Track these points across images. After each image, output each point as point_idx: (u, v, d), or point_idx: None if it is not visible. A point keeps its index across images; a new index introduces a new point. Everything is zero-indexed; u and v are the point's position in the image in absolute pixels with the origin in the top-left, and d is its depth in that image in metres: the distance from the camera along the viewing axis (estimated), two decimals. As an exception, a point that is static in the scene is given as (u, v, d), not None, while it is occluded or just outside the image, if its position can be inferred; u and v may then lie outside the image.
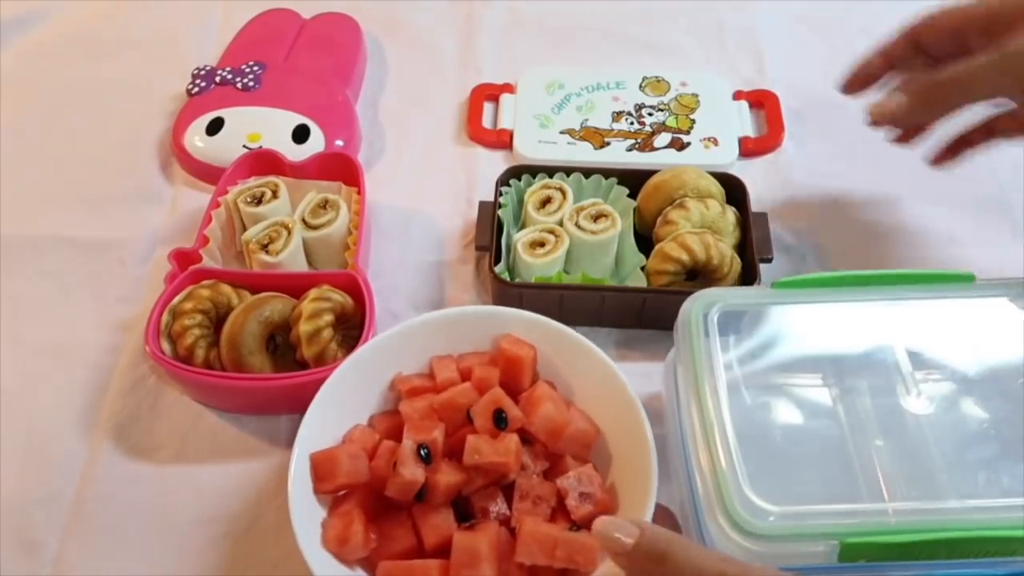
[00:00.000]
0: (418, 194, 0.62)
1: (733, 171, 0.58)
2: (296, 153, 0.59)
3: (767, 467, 0.40)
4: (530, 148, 0.62)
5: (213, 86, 0.64)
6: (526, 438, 0.45)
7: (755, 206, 0.56)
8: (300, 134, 0.61)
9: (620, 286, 0.53)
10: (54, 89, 0.68)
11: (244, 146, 0.60)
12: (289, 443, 0.44)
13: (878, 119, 0.49)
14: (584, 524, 0.43)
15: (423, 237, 0.59)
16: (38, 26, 0.72)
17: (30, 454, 0.49)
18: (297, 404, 0.45)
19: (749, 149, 0.63)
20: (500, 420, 0.44)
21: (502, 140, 0.63)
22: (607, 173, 0.58)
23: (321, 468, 0.43)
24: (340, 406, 0.46)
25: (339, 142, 0.62)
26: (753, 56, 0.70)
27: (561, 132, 0.63)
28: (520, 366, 0.47)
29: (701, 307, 0.44)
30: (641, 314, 0.53)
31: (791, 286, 0.45)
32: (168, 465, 0.49)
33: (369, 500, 0.44)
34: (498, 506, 0.43)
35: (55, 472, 0.49)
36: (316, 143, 0.61)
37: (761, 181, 0.62)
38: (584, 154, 0.62)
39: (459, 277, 0.57)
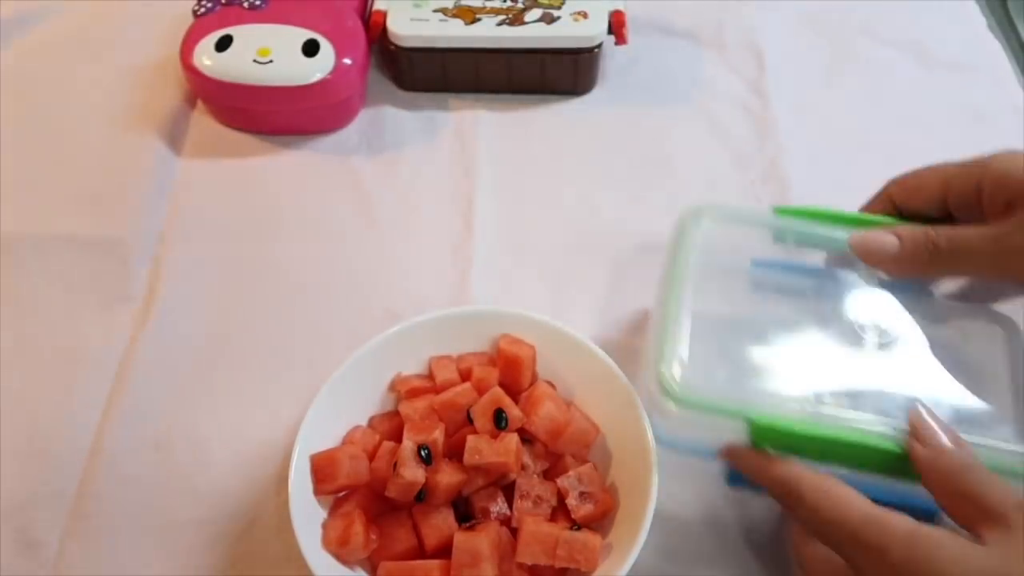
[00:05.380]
0: (417, 193, 0.62)
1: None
2: (307, 67, 0.60)
3: (712, 352, 0.43)
4: (403, 26, 0.64)
5: (219, 7, 0.64)
6: (526, 438, 0.45)
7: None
8: (310, 48, 0.61)
9: (490, 47, 0.63)
10: (55, 88, 0.68)
11: (254, 60, 0.60)
12: (288, 443, 0.45)
13: (861, 255, 0.45)
14: (585, 523, 0.43)
15: (424, 235, 0.60)
16: (38, 25, 0.72)
17: (30, 453, 0.49)
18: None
19: (621, 22, 0.64)
20: (500, 420, 0.44)
21: (375, 22, 0.64)
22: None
23: (321, 469, 0.44)
24: (340, 407, 0.46)
25: (347, 60, 0.62)
26: (753, 56, 0.70)
27: (434, 10, 0.65)
28: (519, 366, 0.47)
29: (693, 213, 0.47)
30: (510, 76, 0.65)
31: (791, 214, 0.47)
32: (168, 465, 0.49)
33: (369, 501, 0.44)
34: (499, 506, 0.44)
35: (55, 472, 0.49)
36: (326, 57, 0.61)
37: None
38: (455, 30, 0.64)
39: (453, 276, 0.57)
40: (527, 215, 0.61)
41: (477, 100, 0.67)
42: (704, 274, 0.46)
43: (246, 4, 0.64)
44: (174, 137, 0.64)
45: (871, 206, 0.48)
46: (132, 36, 0.72)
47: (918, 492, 0.40)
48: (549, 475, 0.45)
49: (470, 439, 0.43)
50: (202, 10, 0.64)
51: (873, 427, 0.40)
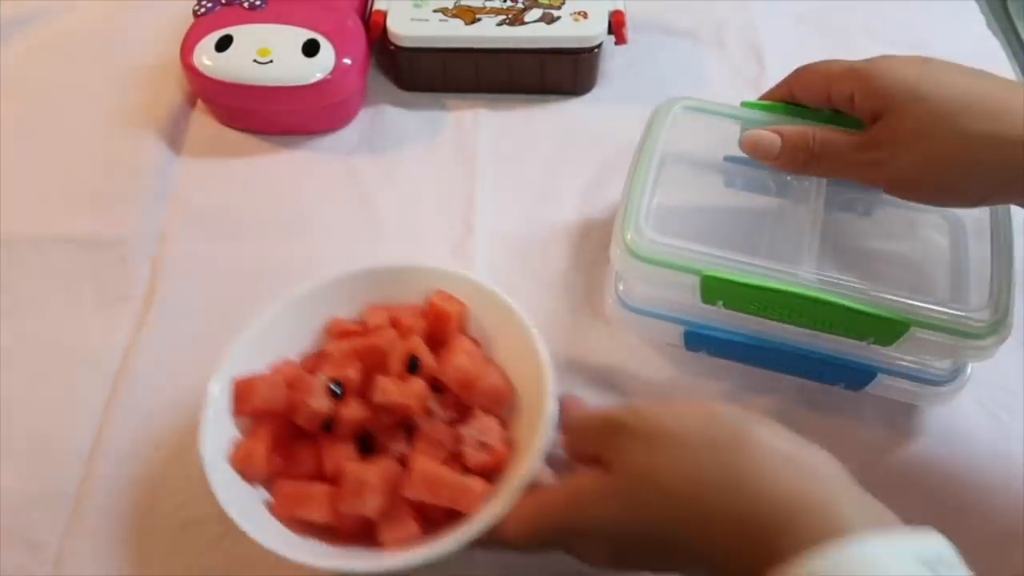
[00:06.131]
0: (418, 192, 0.62)
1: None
2: (307, 67, 0.61)
3: (676, 226, 0.49)
4: (403, 27, 0.64)
5: (219, 7, 0.64)
6: (439, 387, 0.47)
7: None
8: (310, 48, 0.62)
9: (490, 47, 0.63)
10: (55, 88, 0.68)
11: (254, 60, 0.61)
12: (289, 443, 0.45)
13: (749, 151, 0.48)
14: (478, 472, 0.44)
15: (424, 235, 0.60)
16: (38, 25, 0.72)
17: (30, 453, 0.49)
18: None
19: (621, 22, 0.65)
20: (412, 366, 0.46)
21: (375, 22, 0.65)
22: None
23: (240, 391, 0.46)
24: (272, 341, 0.48)
25: (347, 60, 0.62)
26: (753, 56, 0.70)
27: (434, 11, 0.65)
28: (447, 320, 0.49)
29: (669, 104, 0.52)
30: (510, 76, 0.65)
31: (758, 108, 0.51)
32: (168, 465, 0.49)
33: (283, 428, 0.46)
34: (400, 445, 0.46)
35: (55, 472, 0.49)
36: (326, 57, 0.61)
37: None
38: (455, 30, 0.64)
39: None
40: (527, 215, 0.61)
41: (477, 100, 0.67)
42: (678, 167, 0.53)
43: (246, 4, 0.64)
44: (174, 137, 0.64)
45: (772, 93, 0.51)
46: (132, 36, 0.72)
47: (851, 347, 0.47)
48: (456, 425, 0.47)
49: (379, 379, 0.45)
50: (202, 10, 0.64)
51: (815, 283, 0.45)
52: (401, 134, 0.65)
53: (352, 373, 0.46)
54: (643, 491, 0.36)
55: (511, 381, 0.48)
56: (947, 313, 0.44)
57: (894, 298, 0.44)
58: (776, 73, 0.67)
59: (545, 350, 0.46)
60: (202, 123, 0.66)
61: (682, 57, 0.70)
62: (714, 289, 0.45)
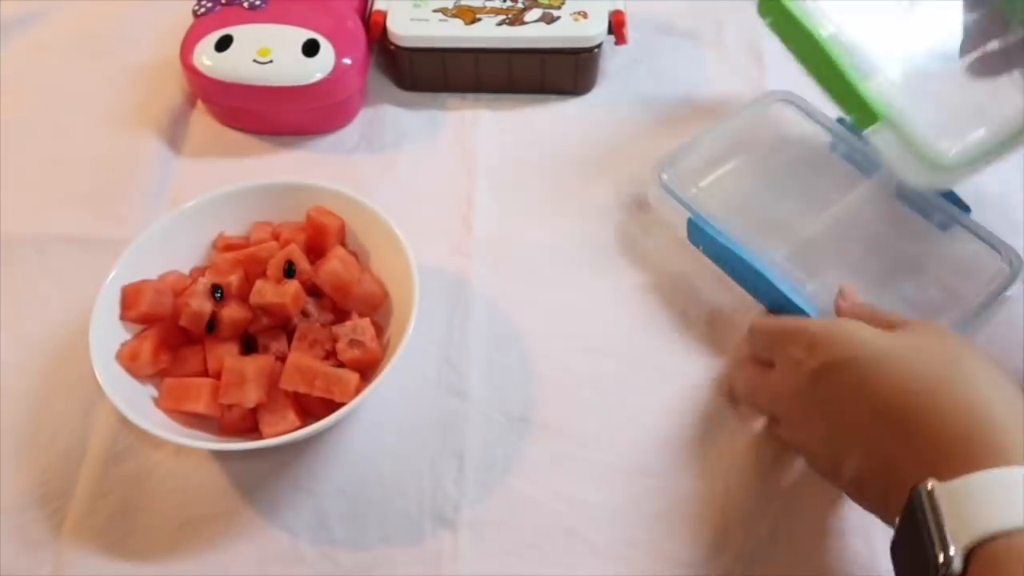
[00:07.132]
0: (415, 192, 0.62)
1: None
2: (307, 67, 0.61)
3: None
4: (403, 26, 0.64)
5: (219, 7, 0.65)
6: (318, 293, 0.51)
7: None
8: (310, 48, 0.62)
9: (490, 47, 0.64)
10: (55, 88, 0.68)
11: (254, 60, 0.61)
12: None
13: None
14: (350, 366, 0.48)
15: (423, 235, 0.59)
16: (38, 26, 0.72)
17: (30, 453, 0.50)
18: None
19: (621, 22, 0.65)
20: (289, 271, 0.50)
21: (375, 22, 0.65)
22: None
23: (127, 297, 0.50)
24: (162, 254, 0.52)
25: (347, 60, 0.62)
26: (753, 56, 0.70)
27: (434, 10, 0.65)
28: (325, 233, 0.52)
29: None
30: (510, 76, 0.65)
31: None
32: (168, 464, 0.49)
33: (170, 332, 0.50)
34: (280, 345, 0.49)
35: (55, 471, 0.49)
36: (326, 57, 0.61)
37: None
38: (455, 30, 0.64)
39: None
40: (527, 215, 0.61)
41: (477, 100, 0.67)
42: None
43: (246, 4, 0.64)
44: (174, 137, 0.65)
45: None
46: (132, 36, 0.72)
47: None
48: (332, 326, 0.50)
49: (257, 283, 0.49)
50: (202, 10, 0.64)
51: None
52: (401, 134, 0.65)
53: (233, 279, 0.50)
54: (907, 360, 0.41)
55: (386, 288, 0.52)
56: None
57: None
58: (776, 73, 0.68)
59: (414, 259, 0.50)
60: (202, 123, 0.66)
61: (682, 57, 0.70)
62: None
